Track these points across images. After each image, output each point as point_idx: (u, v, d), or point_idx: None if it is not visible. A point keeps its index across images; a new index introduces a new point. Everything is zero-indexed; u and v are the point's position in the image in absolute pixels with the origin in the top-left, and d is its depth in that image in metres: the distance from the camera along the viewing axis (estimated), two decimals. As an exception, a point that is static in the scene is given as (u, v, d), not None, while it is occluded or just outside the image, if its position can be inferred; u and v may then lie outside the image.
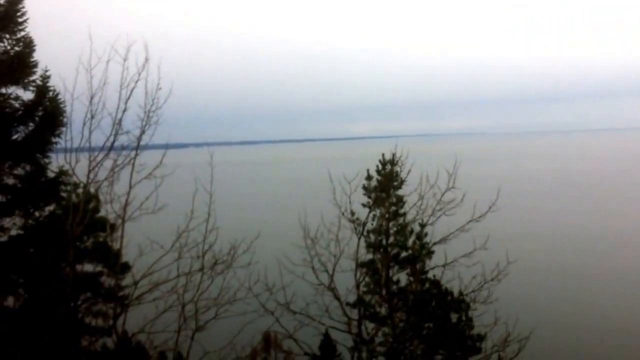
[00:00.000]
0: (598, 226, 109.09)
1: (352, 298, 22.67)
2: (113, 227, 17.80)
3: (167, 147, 18.76)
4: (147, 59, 16.72)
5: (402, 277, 23.22)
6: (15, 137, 16.86)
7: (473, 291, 22.38)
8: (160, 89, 17.22)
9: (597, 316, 57.56)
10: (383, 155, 23.24)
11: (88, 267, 18.75)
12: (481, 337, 22.30)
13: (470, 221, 22.95)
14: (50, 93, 16.92)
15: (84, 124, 16.87)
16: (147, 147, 17.72)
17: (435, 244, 22.92)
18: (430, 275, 22.85)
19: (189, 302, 18.62)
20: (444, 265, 22.72)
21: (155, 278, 18.29)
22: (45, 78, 16.81)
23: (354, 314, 22.63)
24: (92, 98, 16.69)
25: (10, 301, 17.17)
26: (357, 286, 22.80)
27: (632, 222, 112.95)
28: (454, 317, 22.35)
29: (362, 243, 22.83)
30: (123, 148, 17.49)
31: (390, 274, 23.03)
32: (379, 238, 22.97)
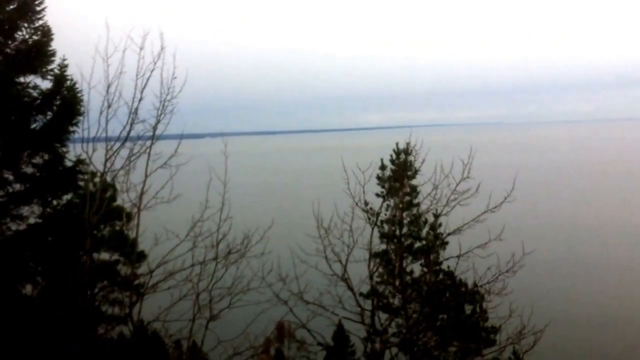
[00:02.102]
0: (615, 218, 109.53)
1: (365, 288, 23.29)
2: (129, 216, 18.49)
3: (182, 136, 19.39)
4: (162, 48, 17.33)
5: (416, 268, 23.89)
6: (33, 126, 17.57)
7: (488, 282, 22.83)
8: (175, 78, 17.80)
9: (614, 308, 58.21)
10: (397, 144, 23.85)
11: (105, 256, 19.55)
12: (495, 329, 22.96)
13: (485, 212, 23.39)
14: (68, 82, 17.55)
15: (101, 113, 17.50)
16: (162, 136, 18.34)
17: (449, 234, 23.50)
18: (444, 266, 23.52)
19: (203, 291, 19.24)
20: (458, 256, 23.21)
21: (170, 267, 18.94)
22: (63, 67, 17.46)
23: (367, 304, 23.26)
24: (108, 87, 17.31)
25: (28, 289, 17.94)
26: (371, 277, 23.41)
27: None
28: (468, 308, 23.01)
29: (376, 233, 23.44)
30: (139, 137, 18.09)
31: (404, 264, 23.69)
32: (393, 228, 23.60)
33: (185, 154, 19.28)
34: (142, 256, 18.88)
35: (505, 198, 23.72)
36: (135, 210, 18.24)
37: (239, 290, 19.79)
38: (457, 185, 23.05)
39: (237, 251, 19.82)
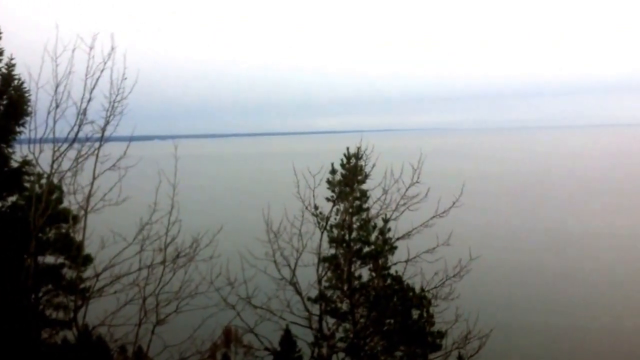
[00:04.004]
0: (560, 224, 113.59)
1: (313, 293, 23.95)
2: (76, 219, 18.73)
3: (131, 138, 19.74)
4: (113, 48, 17.69)
5: (364, 273, 24.53)
6: (-22, 125, 17.71)
7: (435, 287, 23.81)
8: (125, 78, 18.15)
9: (558, 314, 60.68)
10: (348, 149, 24.46)
11: (50, 259, 19.68)
12: (442, 334, 23.80)
13: (433, 217, 24.34)
14: (15, 82, 17.73)
15: (49, 113, 17.70)
16: (111, 138, 18.66)
17: (398, 239, 24.27)
18: (392, 271, 24.21)
19: (150, 295, 19.58)
20: (406, 261, 24.05)
21: (116, 270, 19.25)
22: (10, 66, 17.62)
23: (315, 309, 23.94)
24: (57, 87, 17.53)
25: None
26: (319, 281, 24.10)
27: (594, 221, 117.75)
28: (415, 313, 23.79)
29: (325, 238, 24.13)
30: (87, 139, 18.36)
31: (353, 269, 24.35)
32: (342, 233, 24.23)
33: (135, 156, 19.63)
34: (88, 259, 19.15)
35: (454, 203, 24.69)
36: (82, 212, 18.53)
37: (186, 294, 20.21)
38: (407, 190, 23.99)
39: (186, 255, 20.24)
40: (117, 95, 18.29)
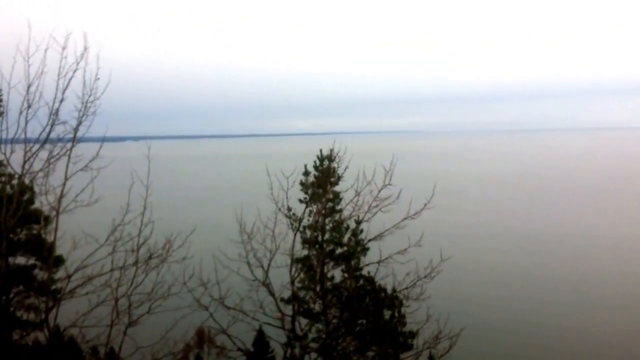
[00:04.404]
0: (529, 225, 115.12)
1: (286, 294, 24.07)
2: (47, 220, 18.59)
3: (104, 139, 19.62)
4: (86, 48, 17.59)
5: (337, 274, 24.70)
6: (-53, 125, 17.50)
7: (406, 288, 24.10)
8: (98, 79, 18.06)
9: (528, 314, 61.44)
10: (321, 151, 24.62)
11: (21, 260, 19.53)
12: (413, 334, 24.07)
13: (405, 218, 24.65)
14: (-14, 81, 17.56)
15: (20, 113, 17.56)
16: (84, 139, 18.54)
17: (370, 240, 24.52)
18: (364, 271, 24.44)
19: (122, 296, 19.50)
20: (378, 262, 24.35)
21: (88, 272, 19.16)
22: (-20, 66, 17.45)
23: (288, 310, 24.07)
24: (29, 87, 17.40)
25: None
26: (292, 282, 24.23)
27: (564, 221, 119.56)
28: (387, 313, 24.04)
29: (298, 239, 24.24)
30: (59, 139, 18.25)
31: (325, 270, 24.50)
32: (315, 234, 24.38)
33: (107, 157, 19.53)
34: (59, 260, 19.01)
35: (425, 205, 24.95)
36: (54, 213, 18.39)
37: (159, 295, 20.17)
38: (379, 192, 24.22)
39: (158, 256, 20.18)
40: (89, 96, 18.20)
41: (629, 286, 73.15)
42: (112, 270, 19.44)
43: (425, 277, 24.06)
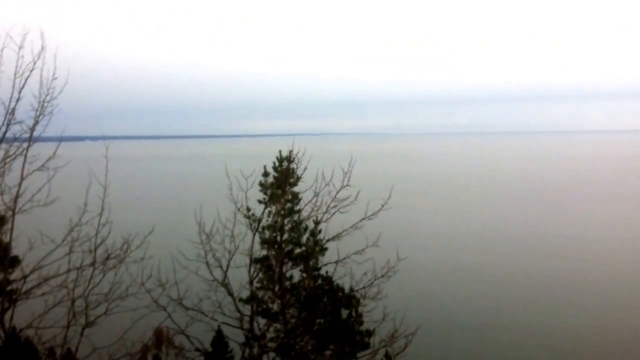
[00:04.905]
0: (484, 225, 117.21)
1: (245, 294, 24.09)
2: (3, 220, 18.30)
3: (61, 139, 19.42)
4: (43, 48, 17.43)
5: (296, 274, 24.84)
6: None
7: (363, 287, 24.41)
8: (56, 78, 17.90)
9: (483, 313, 62.50)
10: (280, 152, 24.74)
11: (-25, 261, 19.18)
12: (370, 333, 24.35)
13: (363, 219, 24.97)
14: (-60, 80, 17.23)
15: (-25, 112, 17.34)
16: (40, 138, 18.35)
17: (328, 240, 24.73)
18: (322, 271, 24.62)
19: (79, 297, 19.35)
20: (336, 262, 24.53)
21: (45, 272, 18.95)
22: None
23: (247, 310, 24.11)
24: (-16, 86, 17.18)
25: None
26: (251, 282, 24.29)
27: (514, 221, 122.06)
28: (344, 313, 24.28)
29: (257, 239, 24.29)
30: (15, 139, 18.03)
31: (284, 270, 24.61)
32: (274, 234, 24.48)
33: (64, 157, 19.33)
34: (15, 261, 18.73)
35: (382, 206, 25.31)
36: (10, 213, 18.17)
37: (116, 296, 20.06)
38: (337, 193, 24.49)
39: (116, 256, 20.07)
40: (46, 95, 18.00)
41: (580, 283, 75.07)
42: (68, 270, 19.27)
43: (382, 276, 24.40)
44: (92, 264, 19.56)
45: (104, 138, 22.41)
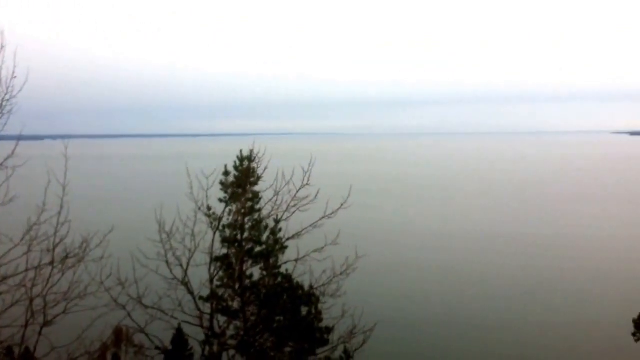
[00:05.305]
0: (439, 224, 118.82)
1: (205, 292, 24.14)
2: (-41, 220, 18.02)
3: (20, 138, 19.11)
4: (2, 46, 17.17)
5: (256, 272, 24.96)
6: None
7: (323, 285, 24.61)
8: (15, 77, 17.62)
9: (438, 308, 63.53)
10: (241, 151, 24.81)
11: None
12: (329, 330, 24.60)
13: (322, 217, 25.11)
14: None
15: None
16: (-1, 137, 18.12)
17: (288, 239, 24.90)
18: (282, 269, 24.82)
19: (37, 296, 19.04)
20: (296, 260, 24.71)
21: (2, 271, 18.61)
22: None
23: (207, 308, 24.13)
24: (-59, 85, 16.84)
25: None
26: (211, 280, 24.32)
27: (471, 220, 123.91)
28: (304, 310, 24.50)
29: (218, 238, 24.36)
30: (-27, 137, 17.75)
31: (244, 268, 24.71)
32: (234, 233, 24.55)
33: (23, 156, 19.06)
34: (-28, 261, 18.41)
35: (342, 205, 25.51)
36: (-33, 212, 17.84)
37: (75, 295, 19.81)
38: (297, 192, 24.63)
39: (75, 255, 19.81)
40: (5, 94, 17.69)
41: (538, 278, 76.54)
42: (27, 270, 18.94)
43: (341, 274, 24.61)
44: (51, 263, 19.25)
45: (63, 137, 22.17)
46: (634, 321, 30.75)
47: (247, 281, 24.77)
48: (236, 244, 24.51)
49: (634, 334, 30.89)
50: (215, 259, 24.27)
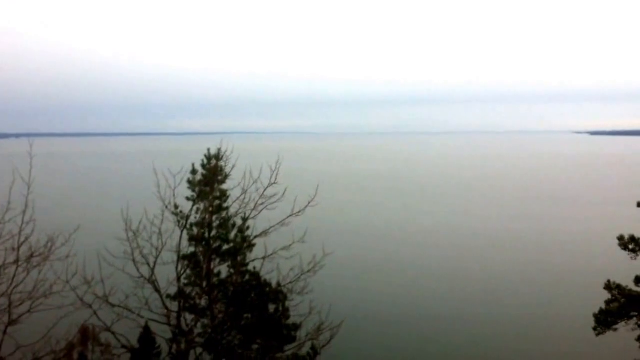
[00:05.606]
0: (405, 221, 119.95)
1: (172, 290, 23.99)
2: None
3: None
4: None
5: (223, 270, 24.88)
6: None
7: (291, 282, 24.62)
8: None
9: (405, 305, 64.04)
10: (209, 150, 24.69)
11: None
12: (296, 327, 24.60)
13: (290, 215, 25.12)
14: None
15: None
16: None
17: (256, 237, 24.83)
18: (250, 267, 24.73)
19: (2, 295, 18.85)
20: (264, 258, 24.72)
21: (-34, 271, 18.39)
22: None
23: (174, 306, 23.97)
24: None
25: None
26: (178, 279, 24.16)
27: (436, 217, 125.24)
28: (271, 307, 24.45)
29: (185, 236, 24.21)
30: None
31: (212, 266, 24.59)
32: (202, 231, 24.40)
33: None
34: None
35: (309, 203, 25.58)
36: None
37: (40, 294, 19.60)
38: (265, 190, 24.63)
39: (40, 254, 19.61)
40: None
41: (497, 274, 77.60)
42: (-9, 269, 18.69)
43: (308, 271, 24.66)
44: (16, 262, 19.07)
45: (28, 135, 21.86)
46: (595, 316, 31.37)
47: (215, 279, 24.67)
48: (204, 242, 24.38)
49: (594, 329, 31.52)
50: (182, 257, 24.13)
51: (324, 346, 24.76)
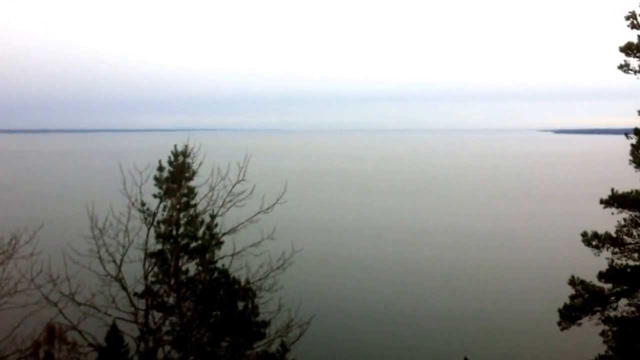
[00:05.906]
0: (373, 217, 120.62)
1: (140, 288, 23.71)
2: None
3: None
4: None
5: (192, 267, 24.67)
6: None
7: (259, 279, 24.50)
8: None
9: (374, 302, 64.34)
10: (175, 146, 24.44)
11: None
12: (265, 324, 24.51)
13: (258, 212, 25.05)
14: None
15: None
16: None
17: (224, 234, 24.66)
18: (219, 264, 24.57)
19: (-36, 294, 18.52)
20: (232, 255, 24.54)
21: None
22: None
23: (142, 304, 23.70)
24: None
25: None
26: (145, 276, 23.88)
27: (403, 214, 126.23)
28: (240, 305, 24.33)
29: (152, 233, 23.94)
30: None
31: (180, 263, 24.37)
32: (169, 228, 24.16)
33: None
34: None
35: (277, 200, 25.53)
36: None
37: (4, 292, 19.33)
38: (233, 187, 24.50)
39: (4, 252, 19.36)
40: None
41: (462, 270, 78.39)
42: (-48, 268, 18.30)
43: (277, 268, 24.59)
44: (-22, 260, 18.66)
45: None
46: (559, 311, 31.78)
47: (183, 277, 24.45)
48: (171, 240, 24.15)
49: (559, 323, 31.94)
50: (149, 255, 23.87)
51: (293, 342, 24.73)
